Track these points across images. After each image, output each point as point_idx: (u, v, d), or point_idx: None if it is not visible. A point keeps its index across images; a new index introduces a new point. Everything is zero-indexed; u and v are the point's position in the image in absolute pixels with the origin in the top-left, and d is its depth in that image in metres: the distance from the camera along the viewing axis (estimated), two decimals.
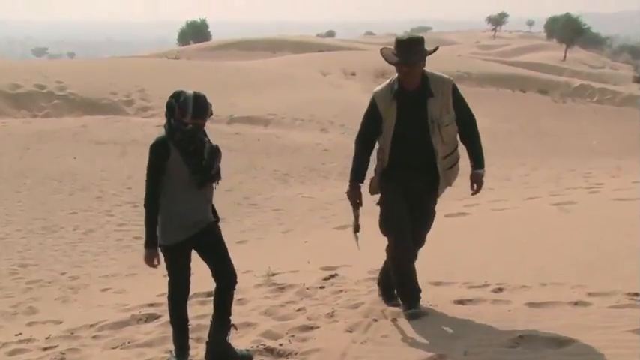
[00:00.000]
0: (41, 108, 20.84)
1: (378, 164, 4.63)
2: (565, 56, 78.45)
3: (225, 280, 4.12)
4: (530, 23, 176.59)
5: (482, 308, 4.58)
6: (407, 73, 4.31)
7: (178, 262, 4.09)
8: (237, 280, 4.18)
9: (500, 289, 4.89)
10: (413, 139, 4.38)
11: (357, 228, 4.79)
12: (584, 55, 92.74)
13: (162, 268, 7.46)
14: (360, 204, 4.74)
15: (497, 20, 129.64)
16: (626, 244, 5.91)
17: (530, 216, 8.41)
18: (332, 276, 5.91)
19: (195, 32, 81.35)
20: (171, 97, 3.88)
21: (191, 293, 5.62)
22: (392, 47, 4.40)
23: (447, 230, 8.22)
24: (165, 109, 3.93)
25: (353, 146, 4.69)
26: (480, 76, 31.81)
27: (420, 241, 4.71)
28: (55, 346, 4.73)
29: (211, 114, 3.94)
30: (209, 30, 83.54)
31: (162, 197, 3.95)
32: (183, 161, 3.88)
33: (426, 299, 4.84)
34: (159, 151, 3.90)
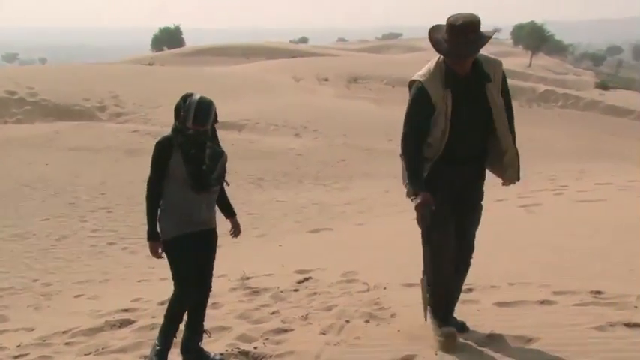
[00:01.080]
0: (12, 114, 20.47)
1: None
2: (530, 62, 79.53)
3: (203, 292, 4.09)
4: (497, 30, 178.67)
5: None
6: (463, 63, 3.70)
7: (181, 258, 3.92)
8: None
9: (469, 290, 4.93)
10: (474, 130, 3.79)
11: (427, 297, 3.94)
12: (549, 61, 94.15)
13: (135, 274, 7.40)
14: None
15: None
16: (589, 245, 6.02)
17: (499, 217, 8.50)
18: (306, 279, 5.91)
19: (168, 38, 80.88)
20: (181, 98, 3.84)
21: (165, 297, 5.61)
22: (442, 28, 3.71)
23: (418, 233, 8.28)
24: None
25: (401, 147, 3.87)
26: None
27: (471, 243, 4.03)
28: (27, 354, 4.63)
29: (216, 120, 3.88)
30: (183, 36, 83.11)
31: (167, 189, 3.91)
32: (183, 164, 3.83)
33: (398, 301, 4.87)
34: (161, 150, 3.87)
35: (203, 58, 54.47)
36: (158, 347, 3.98)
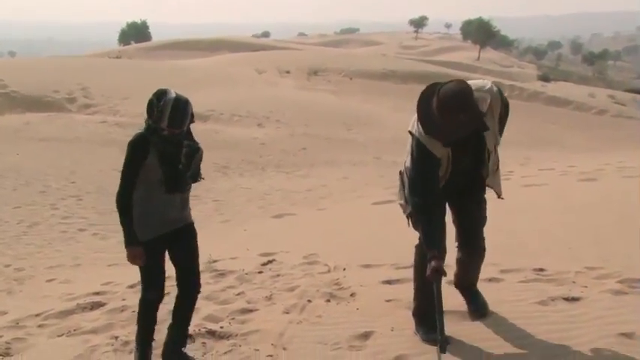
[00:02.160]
0: None
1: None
2: (479, 56, 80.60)
3: (192, 281, 3.71)
4: (448, 26, 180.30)
5: (408, 287, 4.65)
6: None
7: (152, 260, 3.58)
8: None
9: None
10: (467, 172, 3.55)
11: (444, 347, 3.26)
12: (495, 55, 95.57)
13: (105, 259, 7.27)
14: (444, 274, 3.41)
15: (419, 23, 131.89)
16: (533, 225, 6.15)
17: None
18: (269, 262, 5.89)
19: (135, 33, 79.37)
20: (154, 95, 3.39)
21: (135, 280, 5.53)
22: (433, 98, 3.24)
23: (375, 216, 8.34)
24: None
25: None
26: (404, 74, 32.25)
27: (479, 240, 3.75)
28: (0, 337, 4.53)
29: (193, 120, 3.47)
30: (149, 31, 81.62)
31: (137, 194, 3.51)
32: (158, 163, 3.45)
33: (357, 281, 4.90)
34: (136, 150, 3.45)
35: (169, 51, 53.65)
36: (137, 353, 3.73)
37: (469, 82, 3.39)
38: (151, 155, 3.45)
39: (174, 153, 3.46)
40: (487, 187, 3.70)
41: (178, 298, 3.77)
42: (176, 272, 3.76)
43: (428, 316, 3.58)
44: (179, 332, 3.77)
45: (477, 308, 3.93)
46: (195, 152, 3.54)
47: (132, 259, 3.55)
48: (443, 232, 3.54)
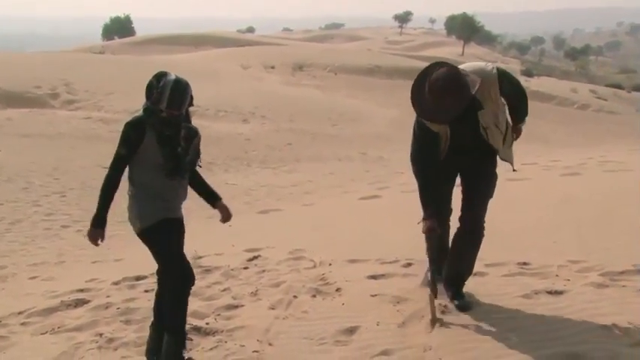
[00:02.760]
0: None
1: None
2: (463, 51, 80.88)
3: (186, 273, 3.57)
4: (432, 21, 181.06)
5: (393, 282, 4.67)
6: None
7: (170, 237, 3.49)
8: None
9: (409, 264, 5.00)
10: (467, 144, 3.76)
11: (435, 292, 3.78)
12: (479, 50, 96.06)
13: (90, 256, 7.21)
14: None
15: (403, 18, 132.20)
16: (517, 219, 6.18)
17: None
18: (255, 257, 5.88)
19: (119, 28, 78.71)
20: (154, 77, 3.40)
21: (120, 277, 5.50)
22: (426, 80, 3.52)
23: (361, 212, 8.35)
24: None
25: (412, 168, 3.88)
26: (389, 70, 32.30)
27: (477, 213, 3.91)
28: None
29: (192, 103, 3.47)
30: (133, 26, 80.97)
31: (138, 179, 3.47)
32: (157, 146, 3.39)
33: (343, 276, 4.90)
34: (131, 132, 3.38)
35: (154, 46, 53.26)
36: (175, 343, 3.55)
37: (471, 64, 3.78)
38: (149, 138, 3.39)
39: (173, 136, 3.42)
40: (502, 161, 3.93)
41: (172, 290, 3.59)
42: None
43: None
44: (175, 335, 3.60)
45: (463, 305, 3.94)
46: (194, 135, 3.52)
47: (92, 237, 3.46)
48: (440, 197, 3.90)
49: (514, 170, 4.05)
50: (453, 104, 3.44)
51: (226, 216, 3.87)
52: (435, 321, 3.72)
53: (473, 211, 3.90)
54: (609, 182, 8.27)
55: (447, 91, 3.43)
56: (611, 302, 3.87)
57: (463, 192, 3.95)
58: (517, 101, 3.90)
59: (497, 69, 3.77)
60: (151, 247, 3.55)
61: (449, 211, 4.03)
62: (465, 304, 3.94)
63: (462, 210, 3.93)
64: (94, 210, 3.48)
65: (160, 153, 3.41)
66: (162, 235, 3.50)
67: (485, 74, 3.67)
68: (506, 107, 3.90)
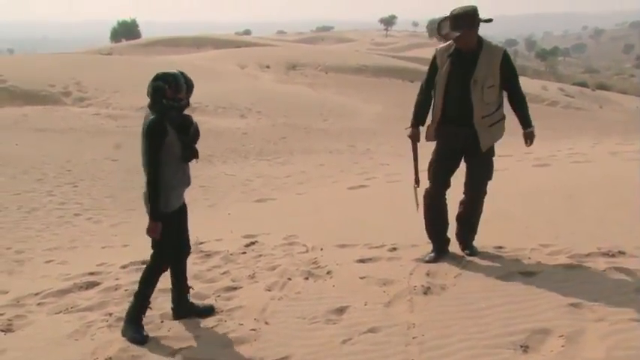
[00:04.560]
0: None
1: (432, 118, 4.42)
2: None
3: (187, 249, 4.03)
4: (416, 24, 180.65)
5: (380, 265, 4.67)
6: (457, 39, 4.16)
7: (174, 228, 3.80)
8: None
9: (394, 249, 5.00)
10: (458, 96, 4.22)
11: (417, 182, 4.62)
12: None
13: (99, 242, 7.15)
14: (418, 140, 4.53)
15: (389, 21, 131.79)
16: (493, 207, 6.17)
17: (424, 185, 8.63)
18: (252, 243, 5.85)
19: (126, 31, 77.96)
20: (157, 79, 3.59)
21: (127, 262, 5.47)
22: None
23: (350, 200, 8.33)
24: (151, 94, 3.61)
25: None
26: (375, 69, 32.17)
27: (474, 187, 4.48)
28: (2, 314, 4.45)
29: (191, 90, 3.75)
30: (139, 28, 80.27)
31: (169, 172, 3.65)
32: (177, 137, 3.61)
33: (333, 260, 4.89)
34: (158, 132, 3.55)
35: (157, 48, 52.75)
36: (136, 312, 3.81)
37: (495, 42, 4.49)
38: (170, 131, 3.58)
39: (185, 122, 3.68)
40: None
41: (177, 260, 3.96)
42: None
43: (436, 237, 4.60)
44: (182, 286, 4.03)
45: (472, 253, 4.51)
46: (192, 121, 3.75)
47: (153, 232, 3.64)
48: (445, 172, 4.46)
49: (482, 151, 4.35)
50: (462, 24, 4.09)
51: None
52: (418, 205, 4.58)
53: (474, 187, 4.47)
54: (576, 172, 8.30)
55: (458, 15, 4.13)
56: (578, 282, 3.89)
57: (467, 173, 4.44)
58: (515, 92, 4.35)
59: (505, 50, 4.33)
60: (162, 232, 3.71)
61: (448, 184, 4.48)
62: (474, 252, 4.52)
63: (465, 186, 4.48)
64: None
65: (178, 144, 3.61)
66: (169, 228, 3.70)
67: (495, 46, 4.31)
68: (506, 111, 4.38)
